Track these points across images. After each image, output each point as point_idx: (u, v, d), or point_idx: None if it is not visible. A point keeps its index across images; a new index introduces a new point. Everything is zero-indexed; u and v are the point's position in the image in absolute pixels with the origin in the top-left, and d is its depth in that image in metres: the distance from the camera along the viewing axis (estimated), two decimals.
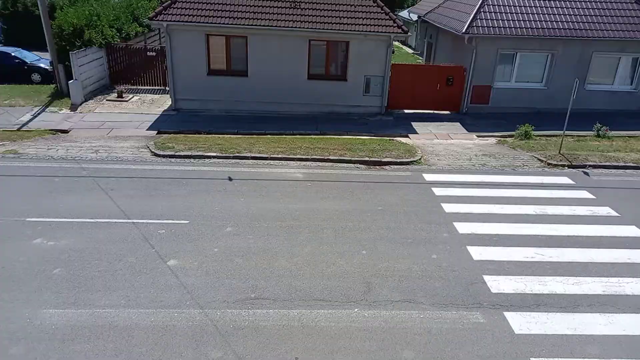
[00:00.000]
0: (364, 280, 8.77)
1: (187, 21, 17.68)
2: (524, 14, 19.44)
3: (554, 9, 19.65)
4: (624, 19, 19.52)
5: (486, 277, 8.94)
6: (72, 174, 12.81)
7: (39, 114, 18.22)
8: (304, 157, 14.50)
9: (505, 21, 19.17)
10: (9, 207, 10.88)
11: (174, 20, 17.69)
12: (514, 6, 19.66)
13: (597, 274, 9.19)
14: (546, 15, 19.43)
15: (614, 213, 11.68)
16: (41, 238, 9.66)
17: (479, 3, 19.56)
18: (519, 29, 18.96)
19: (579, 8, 19.73)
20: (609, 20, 19.44)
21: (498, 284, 8.77)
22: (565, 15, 19.49)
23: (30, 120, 17.50)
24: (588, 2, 19.95)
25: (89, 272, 8.68)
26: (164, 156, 14.34)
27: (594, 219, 11.39)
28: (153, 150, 14.60)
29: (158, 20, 17.72)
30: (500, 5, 19.64)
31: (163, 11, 17.83)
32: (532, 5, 19.73)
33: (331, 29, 17.97)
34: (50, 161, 13.68)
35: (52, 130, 16.54)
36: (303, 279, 8.76)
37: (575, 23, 19.26)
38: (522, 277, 8.98)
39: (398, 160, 14.54)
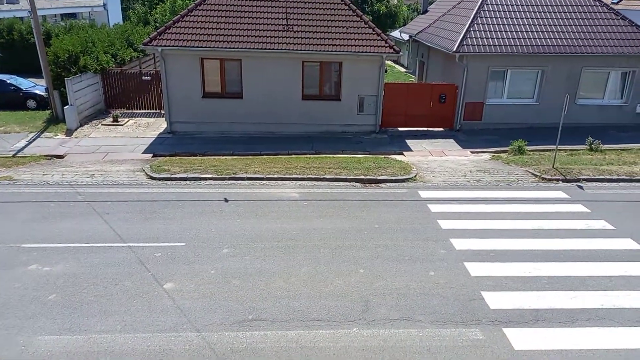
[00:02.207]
0: (362, 299, 8.73)
1: (181, 46, 17.91)
2: (513, 32, 19.80)
3: (543, 26, 20.04)
4: (612, 35, 19.89)
5: (484, 293, 8.92)
6: (67, 199, 12.80)
7: (34, 139, 18.28)
8: (299, 176, 14.55)
9: (495, 39, 19.51)
10: (4, 233, 10.84)
11: (169, 46, 17.91)
12: (503, 24, 20.04)
13: (595, 287, 9.18)
14: (535, 32, 19.81)
15: (609, 226, 11.73)
16: (36, 264, 9.60)
17: (469, 22, 19.94)
18: (509, 47, 19.29)
19: (567, 25, 20.13)
20: (597, 37, 19.81)
21: (496, 300, 8.75)
22: (554, 32, 19.86)
23: (26, 146, 17.54)
24: (576, 19, 20.38)
25: (84, 297, 8.62)
26: (159, 179, 14.37)
27: (589, 232, 11.43)
28: (149, 174, 14.63)
29: (153, 45, 17.95)
30: (489, 24, 20.01)
31: (158, 36, 18.07)
32: (522, 23, 20.13)
33: (324, 50, 18.24)
34: (45, 187, 13.67)
35: (47, 155, 16.58)
36: (301, 299, 8.71)
37: (564, 40, 19.62)
38: (520, 293, 8.97)
39: (394, 178, 14.61)
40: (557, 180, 14.84)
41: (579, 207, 12.89)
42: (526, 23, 20.14)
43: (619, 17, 20.52)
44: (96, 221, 11.52)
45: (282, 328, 7.94)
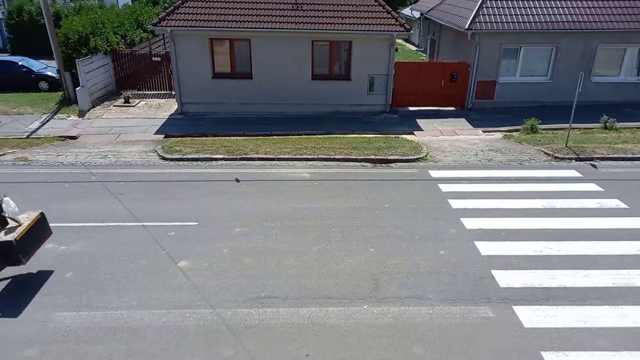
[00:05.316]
0: (372, 278, 8.81)
1: (190, 26, 17.82)
2: (526, 8, 19.39)
3: (558, 1, 19.58)
4: (628, 10, 19.40)
5: (494, 272, 8.95)
6: (81, 179, 12.98)
7: (47, 121, 18.45)
8: (310, 157, 14.57)
9: (508, 16, 19.12)
10: None
11: (178, 26, 17.83)
12: (516, 1, 19.61)
13: (606, 266, 9.16)
14: (549, 8, 19.37)
15: (622, 205, 11.63)
16: (53, 243, 9.78)
17: None
18: (522, 24, 18.91)
19: (582, 0, 19.64)
20: (614, 12, 19.34)
21: (507, 278, 8.77)
22: (569, 7, 19.41)
23: (39, 127, 17.73)
24: None
25: (101, 275, 8.81)
26: (171, 159, 14.48)
27: (602, 211, 11.35)
28: (161, 154, 14.74)
29: (162, 26, 17.89)
30: (502, 0, 19.59)
31: (167, 17, 17.99)
32: None
33: (334, 30, 18.03)
34: (60, 167, 13.86)
35: (60, 136, 16.76)
36: (312, 277, 8.82)
37: (579, 15, 19.19)
38: (530, 271, 8.98)
39: (404, 158, 14.57)
40: (570, 159, 14.69)
41: (592, 186, 12.78)
42: None
43: None
44: (110, 201, 11.69)
45: (294, 305, 8.07)
